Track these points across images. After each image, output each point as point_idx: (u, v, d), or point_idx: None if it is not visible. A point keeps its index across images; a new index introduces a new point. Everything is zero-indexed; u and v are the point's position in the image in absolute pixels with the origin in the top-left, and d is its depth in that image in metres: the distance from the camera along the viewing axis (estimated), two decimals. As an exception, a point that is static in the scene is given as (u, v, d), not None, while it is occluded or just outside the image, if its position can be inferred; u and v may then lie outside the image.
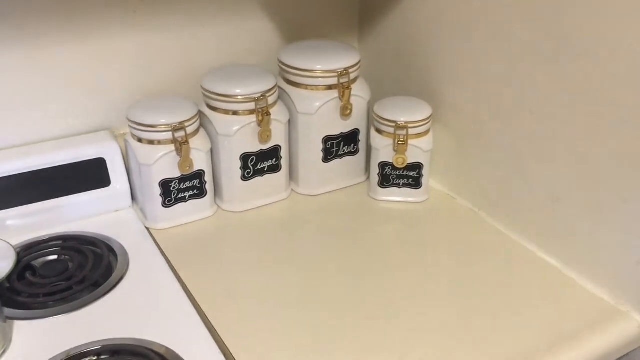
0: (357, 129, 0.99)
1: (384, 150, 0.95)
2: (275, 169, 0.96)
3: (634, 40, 0.67)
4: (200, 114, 0.91)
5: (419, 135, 0.94)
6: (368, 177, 1.02)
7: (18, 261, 0.79)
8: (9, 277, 0.77)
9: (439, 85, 0.96)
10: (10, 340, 0.70)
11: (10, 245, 0.80)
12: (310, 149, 0.97)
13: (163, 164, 0.87)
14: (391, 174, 0.97)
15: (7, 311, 0.72)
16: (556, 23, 0.76)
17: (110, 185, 0.92)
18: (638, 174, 0.71)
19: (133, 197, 0.94)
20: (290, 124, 0.96)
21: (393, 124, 0.93)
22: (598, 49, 0.71)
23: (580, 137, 0.76)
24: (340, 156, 1.00)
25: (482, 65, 0.88)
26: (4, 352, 0.68)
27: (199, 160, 0.89)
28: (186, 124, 0.86)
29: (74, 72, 0.91)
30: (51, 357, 0.67)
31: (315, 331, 0.72)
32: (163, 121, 0.85)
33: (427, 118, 0.94)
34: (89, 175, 0.91)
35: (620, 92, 0.70)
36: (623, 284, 0.76)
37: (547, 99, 0.79)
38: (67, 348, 0.68)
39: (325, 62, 0.93)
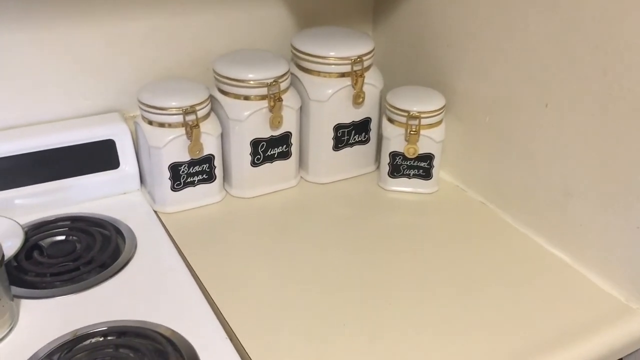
0: (369, 118, 0.98)
1: (395, 139, 0.95)
2: (285, 155, 0.95)
3: (655, 34, 0.66)
4: (211, 98, 0.90)
5: (431, 125, 0.93)
6: (378, 167, 1.02)
7: (26, 240, 0.79)
8: (16, 256, 0.77)
9: (452, 76, 0.95)
10: (17, 319, 0.70)
11: (19, 224, 0.81)
12: (321, 136, 0.96)
13: (173, 147, 0.86)
14: (402, 164, 0.96)
15: (15, 290, 0.72)
16: (573, 15, 0.74)
17: (119, 168, 0.92)
18: (654, 170, 0.70)
19: (142, 180, 0.94)
20: (302, 110, 0.95)
21: (405, 114, 0.92)
22: (615, 41, 0.70)
23: (595, 131, 0.75)
24: (351, 145, 0.99)
25: (497, 56, 0.87)
26: (11, 330, 0.68)
27: (209, 145, 0.89)
28: (197, 108, 0.85)
29: (85, 54, 0.91)
30: (58, 336, 0.67)
31: (321, 317, 0.72)
32: (174, 104, 0.85)
33: (440, 108, 0.93)
34: (98, 156, 0.90)
35: (637, 85, 0.69)
36: (635, 281, 0.75)
37: (563, 92, 0.78)
38: (74, 328, 0.68)
39: (338, 49, 0.92)
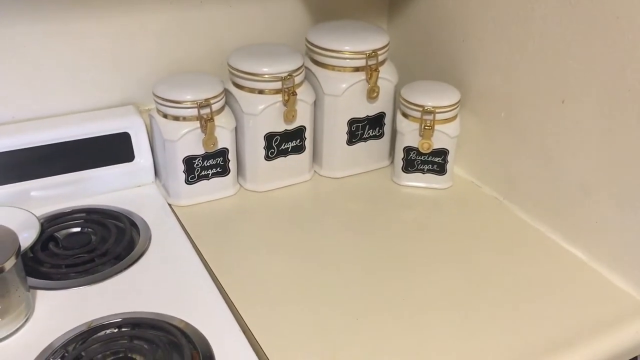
0: (383, 112, 0.98)
1: (409, 134, 0.94)
2: (299, 149, 0.95)
3: (676, 29, 0.65)
4: (226, 91, 0.90)
5: (446, 120, 0.93)
6: (392, 162, 1.01)
7: (42, 232, 0.80)
8: (32, 247, 0.78)
9: (467, 71, 0.95)
10: (33, 309, 0.70)
11: (35, 215, 0.82)
12: (335, 131, 0.96)
13: (187, 140, 0.87)
14: (416, 159, 0.96)
15: (30, 280, 0.73)
16: (592, 11, 0.73)
17: (134, 160, 0.92)
18: (672, 167, 0.69)
19: (156, 173, 0.94)
20: (316, 104, 0.95)
21: (420, 109, 0.92)
22: (634, 38, 0.69)
23: (613, 129, 0.74)
24: (365, 139, 0.99)
25: (513, 51, 0.86)
26: (27, 320, 0.69)
27: (223, 138, 0.89)
28: (212, 101, 0.86)
29: (101, 46, 0.91)
30: (73, 327, 0.68)
31: (334, 311, 0.72)
32: (189, 97, 0.85)
33: (455, 103, 0.93)
34: (113, 149, 0.91)
35: (658, 82, 0.68)
36: (651, 279, 0.74)
37: (580, 89, 0.77)
38: (89, 319, 0.69)
39: (353, 43, 0.92)
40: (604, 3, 0.72)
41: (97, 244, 0.81)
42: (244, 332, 0.68)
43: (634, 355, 0.72)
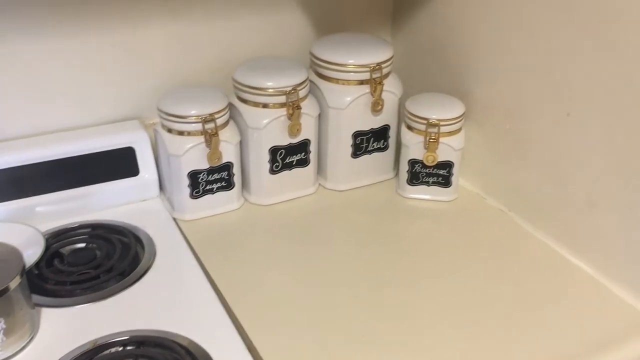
0: (388, 125, 0.98)
1: (414, 147, 0.94)
2: (303, 163, 0.95)
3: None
4: (230, 105, 0.90)
5: (450, 133, 0.92)
6: (397, 174, 1.01)
7: (46, 248, 0.80)
8: (37, 264, 0.78)
9: (472, 83, 0.95)
10: (38, 327, 0.70)
11: (39, 232, 0.82)
12: (340, 143, 0.96)
13: (192, 155, 0.87)
14: (421, 172, 0.95)
15: (35, 298, 0.73)
16: (596, 23, 0.73)
17: (139, 175, 0.92)
18: (680, 181, 0.69)
19: (161, 187, 0.94)
20: (321, 118, 0.95)
21: (425, 121, 0.91)
22: (639, 48, 0.69)
23: (619, 141, 0.74)
24: (370, 152, 0.98)
25: (518, 63, 0.86)
26: (31, 338, 0.68)
27: (228, 153, 0.89)
28: (216, 116, 0.86)
29: (105, 61, 0.91)
30: (78, 345, 0.67)
31: (340, 327, 0.72)
32: (193, 112, 0.85)
33: (460, 116, 0.92)
34: (118, 164, 0.91)
35: (664, 96, 0.68)
36: (659, 294, 0.74)
37: (586, 101, 0.77)
38: (94, 337, 0.69)
39: (357, 56, 0.92)
40: (607, 13, 0.72)
41: (102, 260, 0.81)
42: (249, 350, 0.68)
43: (643, 372, 0.72)
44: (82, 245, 0.84)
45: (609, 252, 0.78)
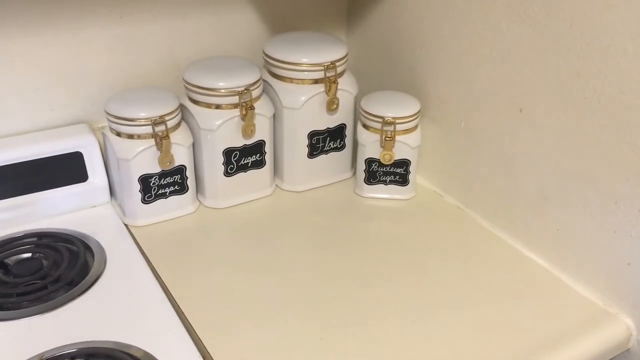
0: (344, 124, 0.97)
1: (370, 146, 0.93)
2: (259, 164, 0.94)
3: (625, 38, 0.66)
4: (181, 107, 0.88)
5: (406, 131, 0.92)
6: (354, 174, 1.00)
7: (-10, 259, 0.76)
8: (-20, 276, 0.74)
9: (427, 80, 0.94)
10: (-20, 343, 0.67)
11: (-18, 243, 0.78)
12: (296, 144, 0.95)
13: (142, 159, 0.84)
14: (378, 171, 0.95)
15: (-22, 312, 0.69)
16: (545, 20, 0.74)
17: (88, 180, 0.89)
18: (629, 174, 0.70)
19: (111, 193, 0.92)
20: (275, 118, 0.94)
21: (380, 120, 0.91)
22: (587, 44, 0.70)
23: (571, 135, 0.75)
24: (326, 152, 0.97)
25: (471, 60, 0.86)
26: (-27, 355, 0.65)
27: (180, 155, 0.87)
28: (167, 118, 0.83)
29: (49, 63, 0.88)
30: (24, 359, 0.65)
31: (298, 333, 0.70)
32: (143, 115, 0.82)
33: (415, 114, 0.92)
34: (66, 169, 0.88)
35: (612, 91, 0.69)
36: (613, 286, 0.74)
37: (537, 97, 0.78)
38: (41, 351, 0.66)
39: (311, 55, 0.91)
40: (559, 12, 0.72)
41: (49, 269, 0.77)
42: (205, 359, 0.66)
43: (599, 364, 0.73)
44: (28, 255, 0.80)
45: (564, 247, 0.79)
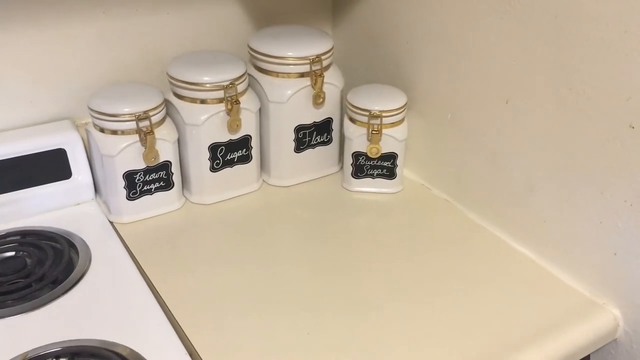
0: (330, 118, 0.96)
1: (357, 140, 0.93)
2: (245, 159, 0.93)
3: (610, 29, 0.66)
4: (166, 102, 0.87)
5: (393, 124, 0.92)
6: (341, 168, 1.00)
7: (-28, 258, 0.75)
8: (-38, 276, 0.73)
9: (413, 73, 0.94)
10: (-37, 343, 0.66)
11: (-37, 241, 0.77)
12: (282, 138, 0.94)
13: (127, 155, 0.83)
14: (365, 164, 0.94)
15: (-39, 311, 0.68)
16: (528, 12, 0.74)
17: (72, 177, 0.88)
18: (615, 165, 0.70)
19: (96, 190, 0.91)
20: (261, 112, 0.93)
21: (367, 113, 0.90)
22: (572, 36, 0.70)
23: (555, 127, 0.75)
24: (313, 146, 0.97)
25: (457, 52, 0.86)
26: (-45, 356, 0.64)
27: (165, 151, 0.86)
28: (151, 113, 0.82)
29: (32, 59, 0.87)
30: (7, 359, 0.64)
31: (286, 329, 0.70)
32: (126, 110, 0.81)
33: (402, 107, 0.92)
34: (49, 166, 0.86)
35: (597, 82, 0.69)
36: (600, 276, 0.75)
37: (523, 88, 0.78)
38: (25, 350, 0.65)
39: (297, 48, 0.90)
40: (543, 3, 0.72)
41: (33, 268, 0.76)
42: (192, 356, 0.65)
43: (586, 354, 0.73)
44: (12, 253, 0.79)
45: (550, 238, 0.79)
